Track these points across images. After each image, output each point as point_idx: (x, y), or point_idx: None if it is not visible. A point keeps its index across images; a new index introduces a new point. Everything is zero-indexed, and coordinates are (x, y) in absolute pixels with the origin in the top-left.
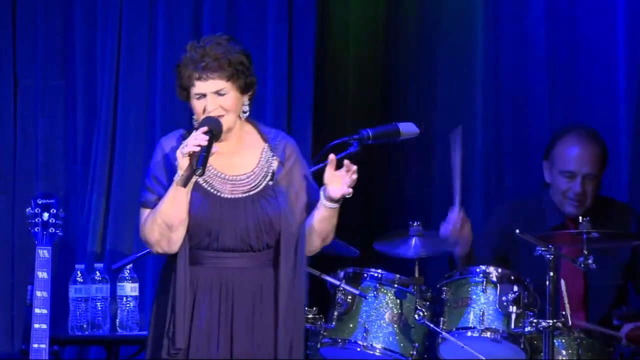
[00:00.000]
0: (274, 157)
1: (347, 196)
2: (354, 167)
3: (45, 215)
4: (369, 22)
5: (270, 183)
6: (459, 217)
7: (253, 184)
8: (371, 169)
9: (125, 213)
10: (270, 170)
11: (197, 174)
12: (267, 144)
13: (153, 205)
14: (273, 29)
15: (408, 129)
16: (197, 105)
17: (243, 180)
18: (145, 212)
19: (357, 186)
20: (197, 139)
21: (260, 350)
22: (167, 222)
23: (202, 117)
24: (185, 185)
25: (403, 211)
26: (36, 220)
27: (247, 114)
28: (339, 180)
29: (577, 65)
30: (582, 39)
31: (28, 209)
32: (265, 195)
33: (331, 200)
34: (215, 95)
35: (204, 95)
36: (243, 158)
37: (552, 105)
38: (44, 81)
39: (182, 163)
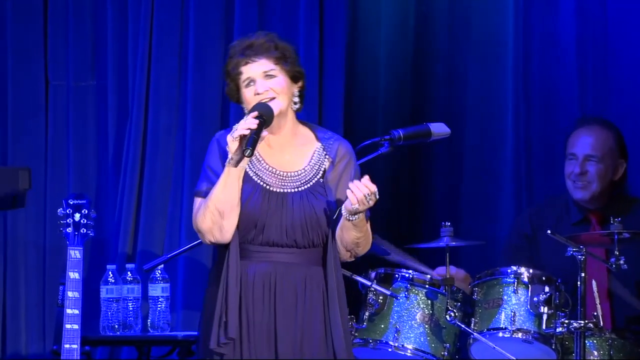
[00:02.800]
0: (327, 157)
1: (354, 214)
2: (367, 187)
3: (77, 216)
4: (399, 23)
5: (321, 180)
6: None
7: (304, 180)
8: (402, 171)
9: (157, 213)
10: (322, 169)
11: (246, 154)
12: (320, 144)
13: (206, 194)
14: (304, 30)
15: (439, 129)
16: (247, 92)
17: (293, 177)
18: (199, 200)
19: (388, 187)
20: (247, 122)
21: (304, 348)
22: (218, 208)
23: (253, 103)
24: (236, 166)
25: (433, 213)
26: (67, 220)
27: (298, 106)
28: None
29: (608, 66)
30: (613, 39)
31: (59, 210)
32: (314, 192)
33: (347, 211)
34: (264, 79)
35: (252, 81)
36: (295, 155)
37: (582, 106)
38: (76, 82)
39: (232, 146)
